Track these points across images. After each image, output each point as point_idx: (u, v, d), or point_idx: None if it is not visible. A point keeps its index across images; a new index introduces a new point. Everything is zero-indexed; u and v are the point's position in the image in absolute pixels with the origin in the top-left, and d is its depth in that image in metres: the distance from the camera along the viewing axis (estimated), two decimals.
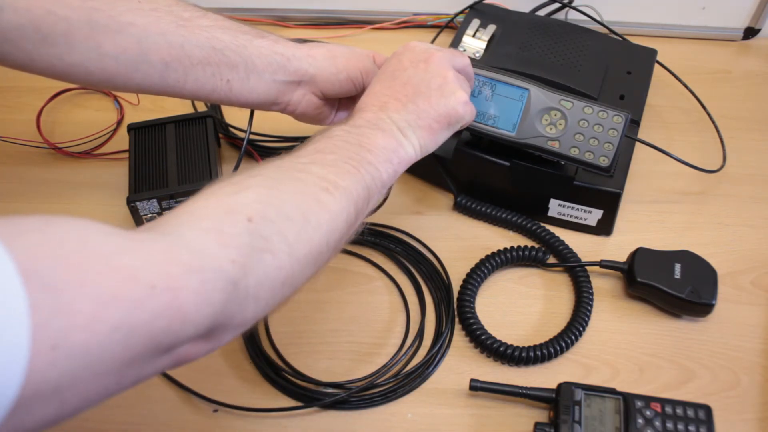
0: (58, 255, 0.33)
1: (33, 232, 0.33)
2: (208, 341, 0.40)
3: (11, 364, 0.29)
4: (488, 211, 0.74)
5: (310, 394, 0.62)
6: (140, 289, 0.34)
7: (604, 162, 0.66)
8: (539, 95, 0.66)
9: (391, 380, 0.63)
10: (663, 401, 0.58)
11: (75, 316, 0.31)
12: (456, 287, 0.69)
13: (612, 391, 0.59)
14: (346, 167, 0.50)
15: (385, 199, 0.70)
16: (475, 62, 0.65)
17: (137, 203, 0.71)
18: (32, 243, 0.32)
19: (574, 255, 0.71)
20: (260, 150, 0.82)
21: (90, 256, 0.34)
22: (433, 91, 0.57)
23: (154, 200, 0.71)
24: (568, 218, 0.73)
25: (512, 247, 0.71)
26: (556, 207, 0.73)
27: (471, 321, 0.66)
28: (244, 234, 0.41)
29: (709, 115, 0.83)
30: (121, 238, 0.36)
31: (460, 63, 0.62)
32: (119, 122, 0.85)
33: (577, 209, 0.72)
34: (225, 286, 0.39)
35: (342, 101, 0.71)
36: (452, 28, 0.95)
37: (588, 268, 0.70)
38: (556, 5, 0.92)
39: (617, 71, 0.79)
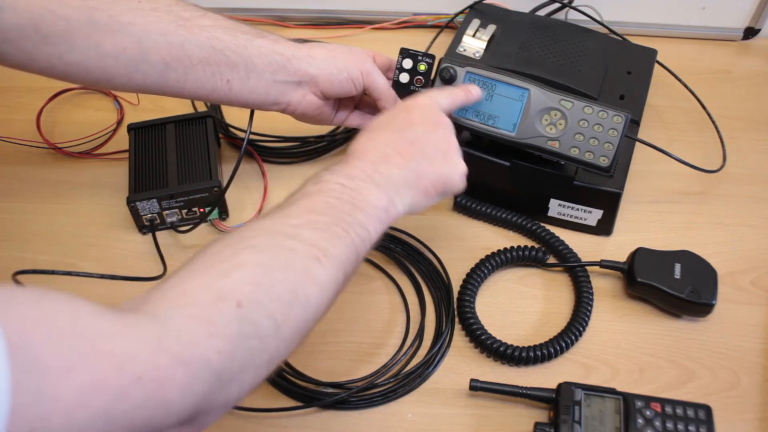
0: (48, 334, 0.32)
1: (26, 307, 0.32)
2: (189, 426, 0.40)
3: None
4: (488, 211, 0.74)
5: (310, 394, 0.62)
6: (126, 379, 0.34)
7: (604, 162, 0.66)
8: (539, 95, 0.66)
9: (391, 380, 0.63)
10: (663, 401, 0.58)
11: (56, 401, 0.31)
12: (456, 287, 0.69)
13: (612, 391, 0.59)
14: (337, 231, 0.48)
15: None
16: (475, 62, 0.65)
17: (137, 203, 0.71)
18: (24, 318, 0.31)
19: (574, 255, 0.71)
20: (260, 150, 0.82)
21: (79, 338, 0.33)
22: (439, 156, 0.56)
23: (154, 200, 0.71)
24: (568, 218, 0.73)
25: (512, 247, 0.71)
26: (556, 207, 0.73)
27: (471, 321, 0.66)
28: (233, 322, 0.40)
29: (709, 115, 0.83)
30: (111, 321, 0.35)
31: (463, 101, 0.64)
32: (119, 122, 0.85)
33: (577, 209, 0.72)
34: (209, 377, 0.38)
35: (342, 101, 0.71)
36: (452, 28, 0.95)
37: (588, 268, 0.70)
38: (556, 5, 0.92)
39: (617, 71, 0.79)
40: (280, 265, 0.45)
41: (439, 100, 0.61)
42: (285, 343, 0.44)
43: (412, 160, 0.55)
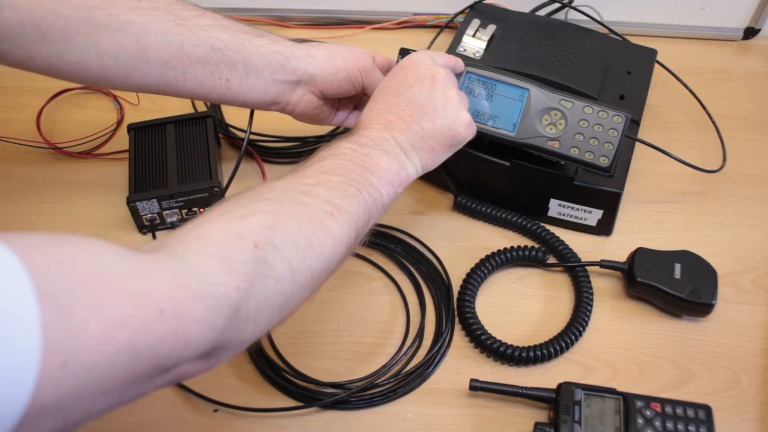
0: (72, 274, 0.33)
1: (48, 249, 0.34)
2: (206, 361, 0.41)
3: (20, 379, 0.30)
4: (488, 211, 0.74)
5: (310, 394, 0.62)
6: (149, 313, 0.35)
7: (604, 162, 0.66)
8: (539, 95, 0.66)
9: (391, 380, 0.63)
10: (663, 401, 0.58)
11: (85, 336, 0.32)
12: (456, 287, 0.69)
13: (612, 391, 0.59)
14: (350, 190, 0.50)
15: None
16: (475, 62, 0.65)
17: (137, 203, 0.71)
18: (48, 260, 0.33)
19: (574, 255, 0.71)
20: (260, 150, 0.82)
21: (102, 277, 0.35)
22: (438, 112, 0.57)
23: (154, 200, 0.71)
24: (568, 218, 0.73)
25: (512, 247, 0.71)
26: (556, 207, 0.73)
27: (471, 321, 0.66)
28: (250, 260, 0.42)
29: (709, 115, 0.83)
30: (131, 261, 0.37)
31: (454, 65, 0.64)
32: (119, 122, 0.85)
33: (577, 209, 0.72)
34: (228, 312, 0.40)
35: (341, 101, 0.71)
36: (452, 28, 0.95)
37: (588, 268, 0.70)
38: (556, 5, 0.92)
39: (617, 71, 0.79)
40: (294, 215, 0.46)
41: (432, 56, 0.62)
42: (299, 288, 0.45)
43: (413, 121, 0.56)
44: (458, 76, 0.68)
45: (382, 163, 0.54)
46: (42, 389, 0.30)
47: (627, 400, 0.58)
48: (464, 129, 0.59)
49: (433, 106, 0.57)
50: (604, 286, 0.70)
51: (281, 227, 0.45)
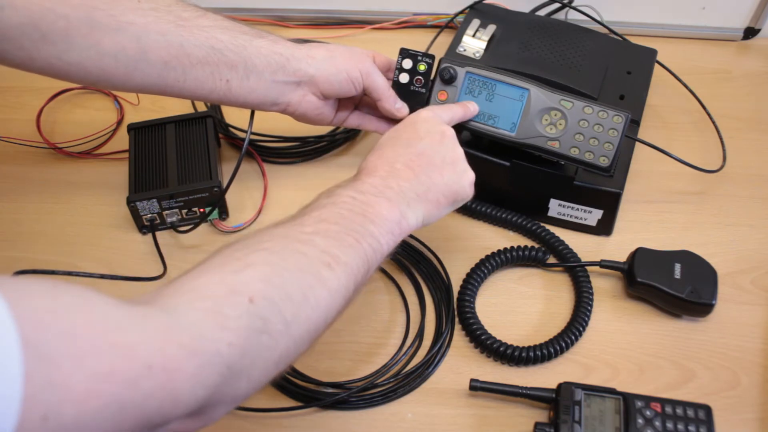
0: (60, 325, 0.32)
1: (38, 297, 0.33)
2: (198, 419, 0.40)
3: None
4: (488, 211, 0.74)
5: (310, 394, 0.62)
6: (136, 368, 0.34)
7: (604, 162, 0.66)
8: (539, 95, 0.66)
9: (391, 380, 0.63)
10: (663, 401, 0.58)
11: (69, 389, 0.31)
12: (456, 287, 0.69)
13: (612, 391, 0.59)
14: (348, 240, 0.49)
15: None
16: (475, 62, 0.65)
17: (137, 203, 0.71)
18: (36, 309, 0.32)
19: (574, 255, 0.71)
20: (260, 150, 0.82)
21: (91, 329, 0.34)
22: (447, 166, 0.57)
23: (154, 200, 0.71)
24: (568, 218, 0.73)
25: (512, 247, 0.71)
26: (556, 207, 0.73)
27: (471, 321, 0.66)
28: (244, 316, 0.41)
29: (709, 115, 0.83)
30: (122, 313, 0.36)
31: (461, 117, 0.65)
32: (119, 122, 0.85)
33: (577, 209, 0.72)
34: (220, 369, 0.39)
35: (342, 101, 0.71)
36: (452, 28, 0.95)
37: (588, 268, 0.70)
38: (556, 5, 0.92)
39: (617, 71, 0.79)
40: (291, 267, 0.45)
41: (439, 113, 0.62)
42: (295, 342, 0.44)
43: (422, 172, 0.56)
44: (459, 76, 0.68)
45: (383, 212, 0.52)
46: None
47: (627, 400, 0.58)
48: (469, 186, 0.59)
49: (442, 160, 0.57)
50: (604, 286, 0.70)
51: (277, 280, 0.44)
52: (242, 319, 0.41)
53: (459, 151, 0.59)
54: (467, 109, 0.66)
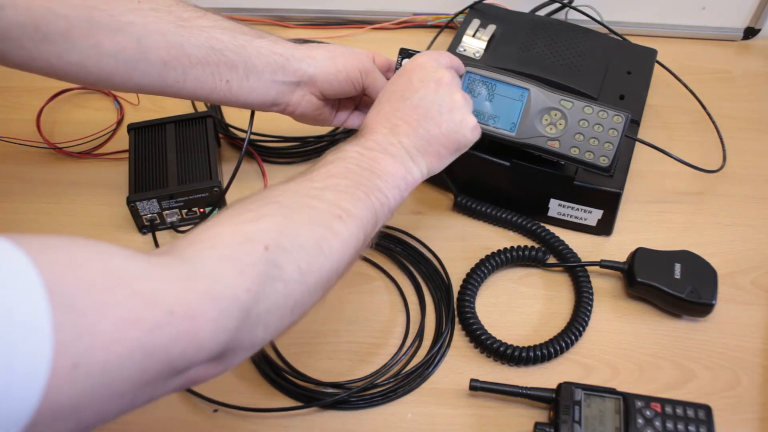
0: (83, 276, 0.33)
1: (59, 251, 0.34)
2: (218, 364, 0.41)
3: (32, 380, 0.30)
4: (488, 211, 0.74)
5: (310, 394, 0.62)
6: (159, 314, 0.35)
7: (604, 162, 0.66)
8: (539, 95, 0.66)
9: (391, 380, 0.63)
10: (663, 401, 0.58)
11: (96, 337, 0.32)
12: (456, 287, 0.69)
13: (612, 391, 0.59)
14: (357, 194, 0.50)
15: None
16: (475, 62, 0.65)
17: (137, 203, 0.71)
18: (58, 262, 0.33)
19: (574, 255, 0.71)
20: (260, 150, 0.82)
21: (113, 278, 0.35)
22: (444, 116, 0.57)
23: (154, 200, 0.71)
24: (568, 218, 0.73)
25: (512, 247, 0.71)
26: (556, 207, 0.73)
27: (471, 321, 0.66)
28: (260, 263, 0.42)
29: (709, 115, 0.83)
30: (142, 263, 0.37)
31: (458, 66, 0.64)
32: (119, 122, 0.85)
33: (577, 209, 0.72)
34: (239, 314, 0.40)
35: (341, 102, 0.71)
36: (452, 28, 0.95)
37: (588, 268, 0.70)
38: (556, 5, 0.92)
39: (617, 71, 0.79)
40: (303, 219, 0.47)
41: (437, 57, 0.61)
42: (309, 291, 0.46)
43: (419, 126, 0.56)
44: (459, 76, 0.68)
45: (388, 168, 0.54)
46: (54, 390, 0.30)
47: (627, 400, 0.58)
48: (470, 132, 0.59)
49: (438, 110, 0.57)
50: (604, 286, 0.70)
51: (290, 231, 0.45)
52: (258, 266, 0.42)
53: (457, 98, 0.58)
54: (461, 62, 0.65)
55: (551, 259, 0.72)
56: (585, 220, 0.73)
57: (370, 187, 0.52)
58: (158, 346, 0.35)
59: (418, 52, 0.69)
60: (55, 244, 0.34)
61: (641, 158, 0.76)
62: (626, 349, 0.66)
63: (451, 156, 0.59)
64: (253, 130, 0.71)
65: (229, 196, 0.75)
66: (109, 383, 0.33)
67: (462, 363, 0.65)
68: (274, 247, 0.43)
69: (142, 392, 0.36)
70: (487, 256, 0.70)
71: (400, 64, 0.70)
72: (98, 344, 0.32)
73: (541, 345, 0.64)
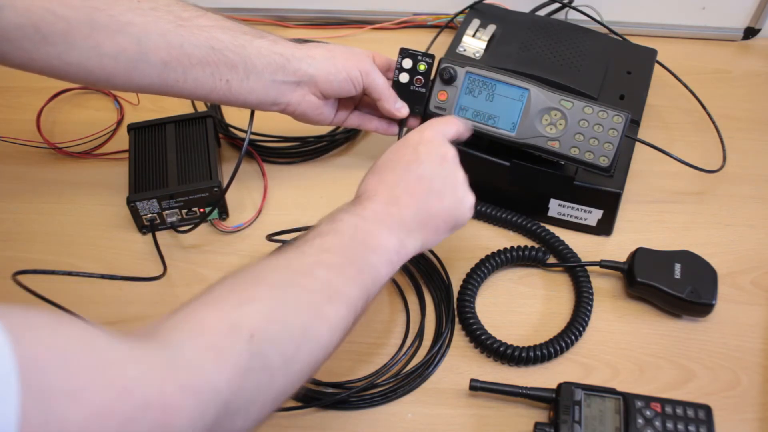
0: (62, 360, 0.32)
1: (41, 331, 0.33)
2: None
3: None
4: (488, 211, 0.74)
5: (310, 394, 0.62)
6: (135, 406, 0.34)
7: (604, 162, 0.66)
8: (539, 95, 0.66)
9: (391, 380, 0.63)
10: (663, 401, 0.58)
11: (65, 426, 0.31)
12: (456, 287, 0.69)
13: (612, 391, 0.59)
14: (350, 272, 0.49)
15: None
16: (475, 62, 0.65)
17: (137, 203, 0.71)
18: (39, 342, 0.32)
19: (574, 255, 0.71)
20: (260, 150, 0.82)
21: (92, 364, 0.34)
22: (447, 191, 0.56)
23: (154, 200, 0.71)
24: (568, 218, 0.73)
25: (512, 247, 0.71)
26: (556, 207, 0.73)
27: (471, 321, 0.66)
28: (244, 353, 0.41)
29: (709, 115, 0.83)
30: (122, 349, 0.36)
31: (463, 132, 0.62)
32: (119, 122, 0.85)
33: (577, 209, 0.72)
34: (218, 407, 0.39)
35: (341, 101, 0.71)
36: (452, 28, 0.95)
37: (588, 268, 0.70)
38: (556, 5, 0.92)
39: (617, 71, 0.78)
40: (292, 302, 0.45)
41: (444, 130, 0.60)
42: (293, 378, 0.44)
43: (422, 199, 0.55)
44: (459, 76, 0.68)
45: (383, 241, 0.52)
46: None
47: (627, 400, 0.58)
48: (469, 210, 0.58)
49: (442, 185, 0.56)
50: (604, 286, 0.70)
51: (278, 316, 0.44)
52: (242, 356, 0.40)
53: (460, 175, 0.57)
54: (466, 124, 0.63)
55: (551, 259, 0.72)
56: (585, 220, 0.73)
57: (362, 264, 0.50)
58: None
59: (418, 51, 0.70)
60: (38, 322, 0.33)
61: (641, 158, 0.76)
62: (626, 349, 0.65)
63: (447, 233, 0.57)
64: (253, 130, 0.71)
65: (229, 196, 0.75)
66: None
67: (462, 363, 0.65)
68: (259, 336, 0.41)
69: None
70: (487, 256, 0.70)
71: (401, 64, 0.70)
72: None
73: (541, 345, 0.64)
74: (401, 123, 0.72)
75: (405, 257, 0.53)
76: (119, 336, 0.36)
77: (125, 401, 0.34)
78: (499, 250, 0.71)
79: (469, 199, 0.58)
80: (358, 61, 0.66)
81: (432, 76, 0.70)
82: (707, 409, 0.58)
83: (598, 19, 0.89)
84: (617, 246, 0.73)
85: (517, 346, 0.64)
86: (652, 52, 0.82)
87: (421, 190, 0.55)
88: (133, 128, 0.78)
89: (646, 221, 0.75)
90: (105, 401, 0.33)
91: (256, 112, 0.69)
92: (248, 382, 0.40)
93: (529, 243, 0.73)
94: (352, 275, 0.49)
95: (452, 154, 0.58)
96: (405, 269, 0.71)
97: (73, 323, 0.35)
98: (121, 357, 0.35)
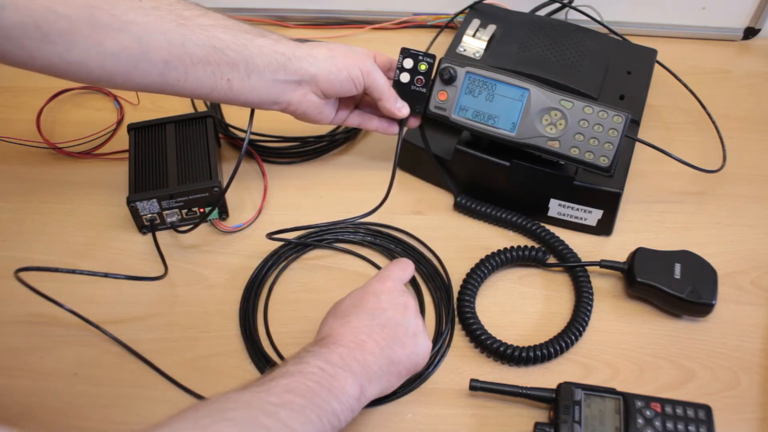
0: None
1: None
2: None
3: None
4: (488, 211, 0.74)
5: None
6: None
7: (604, 162, 0.66)
8: (539, 95, 0.66)
9: None
10: (663, 401, 0.58)
11: None
12: (456, 287, 0.69)
13: (612, 391, 0.59)
14: (312, 416, 0.49)
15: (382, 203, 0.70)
16: (475, 62, 0.65)
17: (137, 203, 0.71)
18: None
19: (574, 255, 0.71)
20: (260, 150, 0.82)
21: None
22: (409, 339, 0.58)
23: (154, 200, 0.71)
24: (568, 218, 0.73)
25: (512, 247, 0.71)
26: (556, 207, 0.73)
27: (471, 321, 0.66)
28: None
29: (709, 115, 0.83)
30: None
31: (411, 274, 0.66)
32: (119, 122, 0.85)
33: (577, 209, 0.72)
34: None
35: (342, 101, 0.71)
36: (452, 28, 0.95)
37: (588, 268, 0.70)
38: (556, 5, 0.92)
39: (617, 71, 0.79)
40: None
41: (402, 277, 0.63)
42: None
43: (386, 345, 0.56)
44: (459, 76, 0.68)
45: (347, 388, 0.52)
46: None
47: (627, 400, 0.58)
48: (425, 358, 0.59)
49: (405, 332, 0.58)
50: (604, 286, 0.70)
51: None
52: None
53: (419, 323, 0.60)
54: (411, 265, 0.66)
55: (551, 259, 0.72)
56: (585, 220, 0.73)
57: (324, 409, 0.50)
58: None
59: (419, 51, 0.70)
60: None
61: (641, 158, 0.76)
62: (626, 349, 0.66)
63: (405, 377, 0.59)
64: (253, 130, 0.71)
65: (229, 196, 0.75)
66: None
67: (462, 363, 0.65)
68: None
69: None
70: (487, 256, 0.70)
71: (402, 64, 0.70)
72: None
73: (541, 345, 0.64)
74: (401, 123, 0.72)
75: (363, 404, 0.55)
76: None
77: None
78: (499, 250, 0.71)
79: (427, 345, 0.60)
80: (359, 61, 0.66)
81: (432, 76, 0.70)
82: (707, 409, 0.58)
83: (598, 19, 0.89)
84: (617, 246, 0.73)
85: (517, 346, 0.64)
86: (652, 52, 0.82)
87: (384, 337, 0.57)
88: (133, 128, 0.78)
89: (646, 221, 0.75)
90: None
91: (256, 112, 0.69)
92: None
93: (529, 243, 0.73)
94: (313, 420, 0.49)
95: (413, 304, 0.61)
96: None
97: None
98: None
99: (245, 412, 0.47)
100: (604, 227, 0.73)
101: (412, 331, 0.59)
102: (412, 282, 0.70)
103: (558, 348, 0.64)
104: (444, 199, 0.78)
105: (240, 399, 0.48)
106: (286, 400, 0.49)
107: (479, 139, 0.71)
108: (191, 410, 0.46)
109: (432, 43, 0.94)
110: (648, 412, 0.57)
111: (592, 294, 0.68)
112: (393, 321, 0.58)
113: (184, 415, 0.45)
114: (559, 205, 0.72)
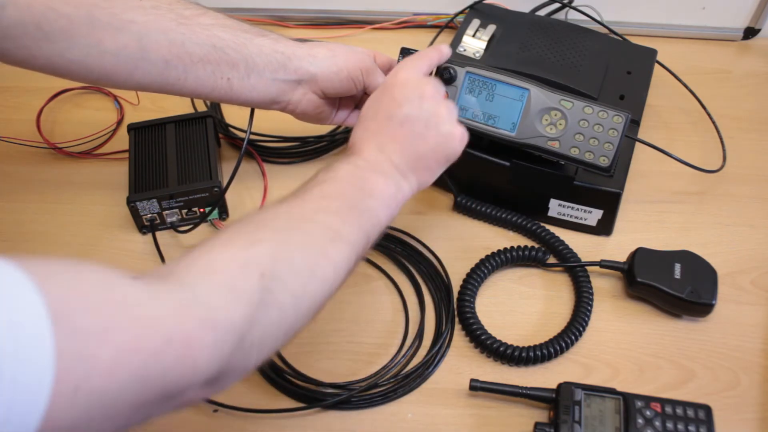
0: (86, 302, 0.34)
1: (64, 276, 0.34)
2: (211, 387, 0.42)
3: (34, 403, 0.30)
4: (488, 211, 0.74)
5: (310, 395, 0.62)
6: (159, 341, 0.36)
7: (604, 162, 0.66)
8: (539, 95, 0.66)
9: (392, 380, 0.63)
10: (663, 401, 0.58)
11: (97, 362, 0.33)
12: (456, 287, 0.69)
13: (612, 391, 0.59)
14: (350, 216, 0.51)
15: None
16: (475, 62, 0.65)
17: (137, 203, 0.71)
18: (63, 287, 0.34)
19: (574, 255, 0.71)
20: (260, 150, 0.82)
21: (115, 305, 0.36)
22: (431, 131, 0.57)
23: (154, 200, 0.71)
24: (568, 218, 0.73)
25: (512, 247, 0.71)
26: (556, 207, 0.73)
27: (471, 321, 0.66)
28: (255, 290, 0.43)
29: (709, 115, 0.83)
30: (142, 289, 0.38)
31: (438, 60, 0.63)
32: (119, 122, 0.85)
33: (577, 209, 0.72)
34: (234, 340, 0.41)
35: (342, 100, 0.71)
36: (452, 28, 0.95)
37: (588, 268, 0.70)
38: (556, 5, 0.92)
39: (617, 71, 0.79)
40: (297, 243, 0.47)
41: (418, 67, 0.60)
42: (301, 315, 0.46)
43: (407, 144, 0.56)
44: (459, 76, 0.68)
45: (379, 187, 0.54)
46: (54, 412, 0.31)
47: (627, 400, 0.58)
48: (458, 143, 0.59)
49: (425, 125, 0.57)
50: (604, 286, 0.70)
51: (284, 256, 0.46)
52: (253, 293, 0.42)
53: (441, 111, 0.57)
54: (441, 52, 0.64)
55: (551, 259, 0.72)
56: (585, 220, 0.73)
57: (362, 208, 0.52)
58: (156, 371, 0.36)
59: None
60: (60, 269, 0.35)
61: (641, 158, 0.76)
62: (626, 349, 0.66)
63: (441, 168, 0.59)
64: (253, 130, 0.71)
65: (229, 196, 0.75)
66: (107, 406, 0.34)
67: (462, 363, 0.65)
68: (268, 274, 0.44)
69: (138, 414, 0.37)
70: (487, 256, 0.70)
71: None
72: (99, 369, 0.33)
73: (541, 345, 0.64)
74: None
75: (403, 200, 0.56)
76: (138, 278, 0.39)
77: (150, 337, 0.36)
78: (499, 250, 0.71)
79: (455, 132, 0.58)
80: (359, 60, 0.66)
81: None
82: (707, 409, 0.58)
83: (598, 19, 0.89)
84: (617, 246, 0.73)
85: (517, 346, 0.64)
86: (652, 52, 0.82)
87: (404, 134, 0.56)
88: (133, 128, 0.78)
89: (646, 221, 0.75)
90: (131, 338, 0.35)
91: (256, 112, 0.69)
92: (261, 316, 0.42)
93: (529, 243, 0.73)
94: (351, 218, 0.51)
95: (430, 91, 0.58)
96: (405, 269, 0.71)
97: (94, 269, 0.37)
98: (143, 297, 0.38)
99: (285, 220, 0.49)
100: (604, 227, 0.73)
101: (433, 122, 0.57)
102: (412, 281, 0.70)
103: (558, 348, 0.64)
104: (444, 199, 0.78)
105: (279, 211, 0.50)
106: (322, 205, 0.50)
107: (479, 139, 0.70)
108: (232, 225, 0.48)
109: (432, 43, 0.94)
110: (648, 412, 0.57)
111: (592, 294, 0.68)
112: (411, 117, 0.56)
113: (227, 230, 0.47)
114: (559, 205, 0.72)
